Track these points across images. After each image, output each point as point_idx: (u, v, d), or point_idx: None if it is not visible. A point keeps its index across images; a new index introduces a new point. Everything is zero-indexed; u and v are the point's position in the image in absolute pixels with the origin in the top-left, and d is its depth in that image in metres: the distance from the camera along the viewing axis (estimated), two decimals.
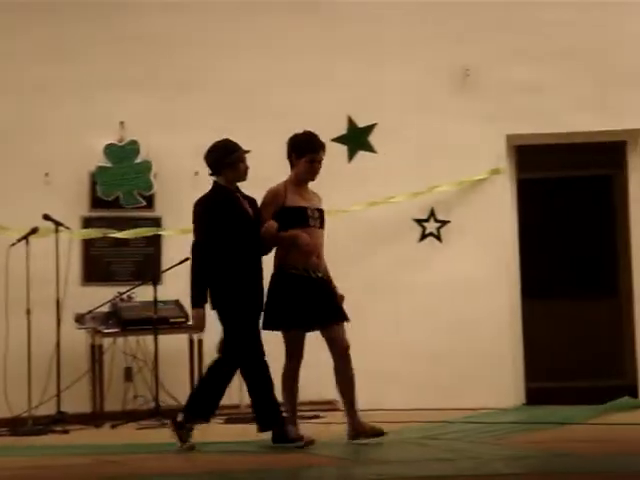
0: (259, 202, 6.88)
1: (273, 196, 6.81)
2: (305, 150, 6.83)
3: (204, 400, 6.83)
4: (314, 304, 6.66)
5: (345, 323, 6.70)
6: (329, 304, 6.74)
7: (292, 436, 6.65)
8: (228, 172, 6.88)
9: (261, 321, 6.74)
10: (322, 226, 6.86)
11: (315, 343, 6.77)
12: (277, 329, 6.75)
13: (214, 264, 6.72)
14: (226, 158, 6.86)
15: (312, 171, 6.85)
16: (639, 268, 9.20)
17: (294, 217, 6.72)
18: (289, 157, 6.91)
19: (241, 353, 6.73)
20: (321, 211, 6.88)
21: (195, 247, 6.81)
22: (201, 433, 6.93)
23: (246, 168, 6.92)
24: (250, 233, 6.74)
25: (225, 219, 6.75)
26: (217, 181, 6.93)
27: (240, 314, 6.71)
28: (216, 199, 6.84)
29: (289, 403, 6.80)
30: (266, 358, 6.73)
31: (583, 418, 7.90)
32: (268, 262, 6.78)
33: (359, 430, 6.65)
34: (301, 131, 6.92)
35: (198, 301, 6.79)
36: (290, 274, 6.70)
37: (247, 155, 6.95)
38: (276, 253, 6.83)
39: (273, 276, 6.78)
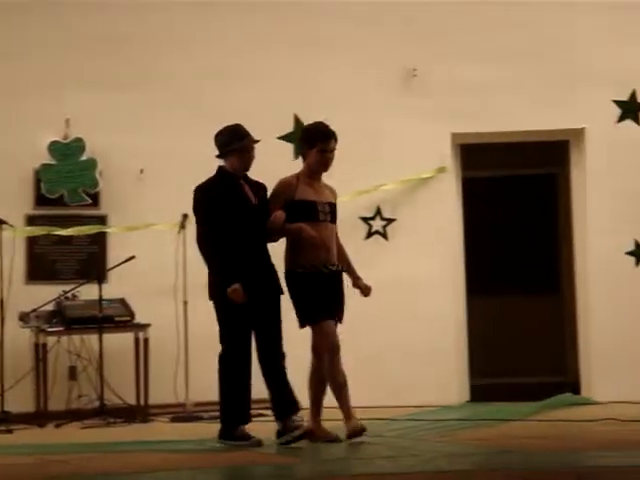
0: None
1: (284, 187, 6.71)
2: (315, 140, 6.73)
3: (231, 405, 6.73)
4: (320, 298, 6.63)
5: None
6: (329, 300, 6.68)
7: (238, 435, 6.62)
8: (234, 158, 6.77)
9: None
10: (333, 221, 6.78)
11: None
12: (301, 326, 6.72)
13: (212, 251, 6.67)
14: (233, 144, 6.75)
15: (324, 162, 6.74)
16: (581, 266, 9.31)
17: (304, 211, 6.64)
18: (301, 149, 6.84)
19: (223, 346, 6.69)
20: (332, 205, 6.79)
21: (200, 238, 6.75)
22: (146, 432, 6.91)
23: (250, 157, 6.80)
24: (248, 220, 6.66)
25: (222, 205, 6.66)
26: (222, 166, 6.83)
27: (228, 305, 6.64)
28: (215, 184, 6.77)
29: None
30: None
31: (526, 415, 7.99)
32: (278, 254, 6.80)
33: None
34: (313, 122, 6.91)
35: (230, 278, 6.61)
36: (298, 273, 6.66)
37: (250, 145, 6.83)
38: (285, 253, 6.77)
39: (285, 277, 6.75)
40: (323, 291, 6.65)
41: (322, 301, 6.63)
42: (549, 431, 7.17)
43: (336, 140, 6.78)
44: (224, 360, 6.74)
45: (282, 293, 6.82)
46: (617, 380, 8.86)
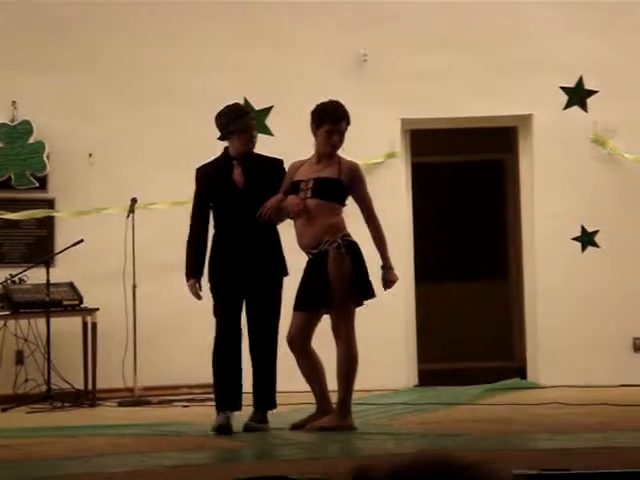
0: None
1: (289, 170, 6.56)
2: (322, 120, 6.45)
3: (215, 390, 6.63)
4: (300, 286, 6.45)
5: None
6: (304, 289, 6.42)
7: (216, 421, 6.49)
8: (234, 139, 6.62)
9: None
10: (318, 195, 6.33)
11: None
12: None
13: (189, 236, 6.65)
14: (231, 125, 6.60)
15: (330, 143, 6.43)
16: (528, 251, 9.39)
17: (290, 192, 6.40)
18: (311, 129, 6.54)
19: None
20: (320, 180, 6.35)
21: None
22: (94, 417, 6.88)
23: (252, 136, 6.64)
24: (231, 204, 6.54)
25: (201, 189, 6.64)
26: (226, 147, 6.70)
27: (211, 286, 6.61)
28: (206, 166, 6.70)
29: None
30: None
31: (473, 399, 8.06)
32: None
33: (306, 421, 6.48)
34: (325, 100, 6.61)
35: (186, 273, 6.61)
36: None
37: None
38: None
39: None
40: (303, 279, 6.42)
41: (299, 290, 6.42)
42: (495, 414, 7.23)
43: (348, 122, 6.49)
44: (214, 344, 6.59)
45: (277, 277, 6.62)
46: (563, 365, 8.97)
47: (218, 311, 6.55)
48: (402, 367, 9.15)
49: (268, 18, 9.23)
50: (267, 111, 7.04)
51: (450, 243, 10.99)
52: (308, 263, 6.42)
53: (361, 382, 8.68)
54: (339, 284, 6.24)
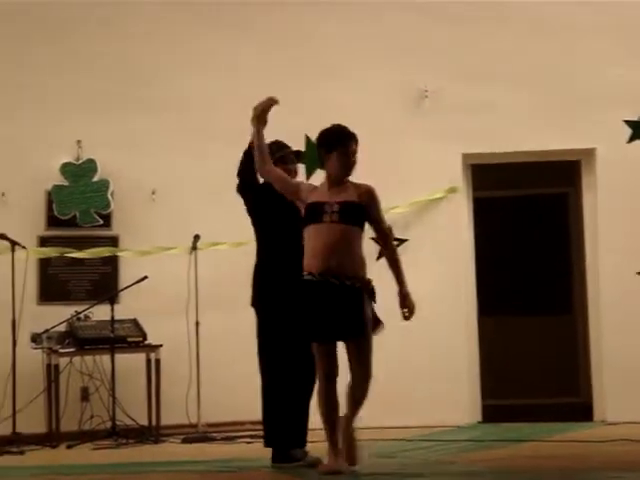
0: None
1: (299, 182, 6.51)
2: (333, 144, 6.32)
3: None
4: (311, 314, 6.11)
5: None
6: (317, 318, 6.09)
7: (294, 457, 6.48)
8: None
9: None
10: (345, 220, 6.09)
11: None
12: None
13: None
14: (274, 155, 6.67)
15: (345, 165, 6.27)
16: (593, 285, 9.29)
17: (310, 213, 6.18)
18: (319, 156, 6.41)
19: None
20: (346, 203, 6.13)
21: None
22: (158, 453, 6.90)
23: (288, 170, 6.70)
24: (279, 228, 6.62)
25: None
26: None
27: (268, 313, 6.66)
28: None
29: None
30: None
31: (538, 435, 7.97)
32: None
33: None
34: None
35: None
36: (303, 280, 6.14)
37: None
38: None
39: None
40: (320, 305, 6.06)
41: (319, 318, 6.06)
42: (561, 452, 7.14)
43: (356, 142, 6.36)
44: (264, 376, 6.59)
45: None
46: (630, 400, 8.83)
47: (268, 339, 6.54)
48: (465, 403, 9.07)
49: (327, 53, 9.27)
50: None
51: (513, 278, 10.93)
52: (327, 289, 6.04)
53: (424, 418, 8.69)
54: (369, 323, 6.13)
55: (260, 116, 6.55)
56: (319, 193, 6.26)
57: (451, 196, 9.23)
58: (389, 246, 6.37)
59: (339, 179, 6.29)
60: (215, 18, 9.34)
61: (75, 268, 9.08)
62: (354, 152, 6.35)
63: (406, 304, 6.25)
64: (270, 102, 6.58)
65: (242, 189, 6.83)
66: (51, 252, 8.97)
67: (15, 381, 8.30)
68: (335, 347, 6.15)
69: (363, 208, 6.21)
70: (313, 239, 6.13)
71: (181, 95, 9.22)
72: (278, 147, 6.84)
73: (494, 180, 10.23)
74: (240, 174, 6.83)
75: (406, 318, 6.28)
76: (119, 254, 9.08)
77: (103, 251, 9.03)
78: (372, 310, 6.19)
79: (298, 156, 6.95)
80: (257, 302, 6.64)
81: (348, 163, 6.29)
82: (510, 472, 6.23)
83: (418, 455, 6.73)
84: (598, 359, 9.21)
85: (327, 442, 6.10)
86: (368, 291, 6.15)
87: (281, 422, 6.53)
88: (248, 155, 6.73)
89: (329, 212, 6.13)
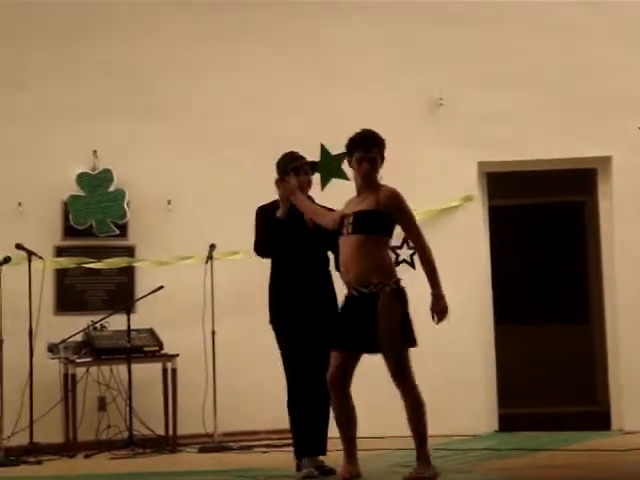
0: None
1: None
2: (352, 149, 6.35)
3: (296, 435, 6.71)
4: (337, 324, 6.21)
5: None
6: (342, 328, 6.15)
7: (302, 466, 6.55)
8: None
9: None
10: (358, 230, 6.12)
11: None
12: None
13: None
14: (284, 170, 6.73)
15: (358, 172, 6.26)
16: (610, 294, 9.26)
17: (338, 226, 6.26)
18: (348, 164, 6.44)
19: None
20: (358, 213, 6.15)
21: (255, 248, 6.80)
22: (175, 462, 6.90)
23: (301, 181, 6.70)
24: (295, 246, 6.62)
25: (264, 229, 6.71)
26: None
27: (283, 331, 6.72)
28: (265, 207, 6.79)
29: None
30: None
31: (555, 444, 7.94)
32: None
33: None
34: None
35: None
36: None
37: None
38: None
39: None
40: (343, 316, 6.17)
41: (339, 328, 6.17)
42: (578, 461, 7.11)
43: (369, 146, 6.27)
44: (288, 389, 6.63)
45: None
46: None
47: (295, 353, 6.56)
48: (482, 412, 9.05)
49: (341, 60, 9.28)
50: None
51: (530, 286, 10.91)
52: (350, 300, 6.14)
53: (440, 427, 8.61)
54: (391, 332, 6.00)
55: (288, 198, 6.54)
56: (347, 204, 6.32)
57: (467, 204, 9.22)
58: (420, 250, 6.27)
59: (359, 187, 6.30)
60: (233, 26, 9.34)
61: (91, 278, 9.10)
62: (374, 158, 6.27)
63: (435, 307, 6.15)
64: (291, 191, 6.52)
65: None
66: (68, 263, 8.99)
67: (32, 391, 8.32)
68: (350, 359, 6.12)
69: (382, 215, 6.15)
70: (340, 252, 6.23)
71: (198, 104, 9.25)
72: (292, 159, 6.83)
73: (510, 188, 10.22)
74: (261, 253, 6.78)
75: (437, 321, 6.18)
76: (135, 264, 9.10)
77: (120, 261, 9.05)
78: (400, 318, 6.03)
79: (314, 167, 6.94)
80: (274, 321, 6.69)
81: (360, 170, 6.26)
82: None
83: (435, 464, 6.68)
84: (615, 367, 9.17)
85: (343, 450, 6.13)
86: (388, 295, 6.03)
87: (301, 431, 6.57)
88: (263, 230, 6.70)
89: (347, 224, 6.17)
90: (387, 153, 6.52)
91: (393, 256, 9.10)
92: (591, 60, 9.19)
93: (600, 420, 9.27)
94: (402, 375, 6.05)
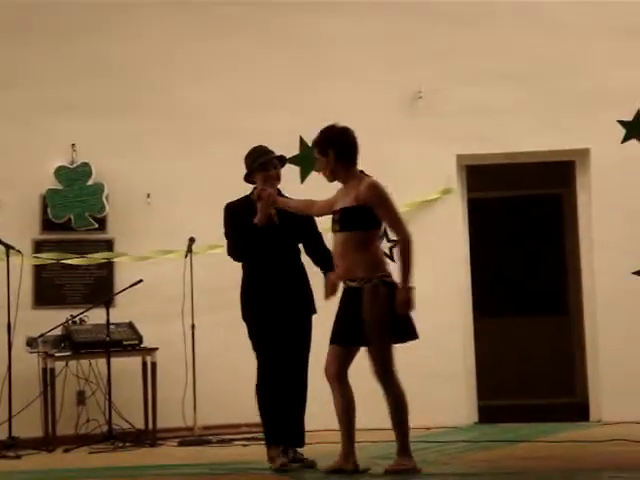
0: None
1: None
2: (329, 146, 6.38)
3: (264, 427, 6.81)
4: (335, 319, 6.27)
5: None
6: (338, 322, 6.21)
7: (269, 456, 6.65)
8: (257, 179, 6.76)
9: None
10: (345, 228, 6.14)
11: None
12: None
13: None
14: (253, 164, 6.76)
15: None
16: (588, 286, 9.30)
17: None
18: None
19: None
20: (343, 210, 6.17)
21: (228, 251, 6.83)
22: (155, 456, 6.90)
23: (270, 176, 6.72)
24: (263, 241, 6.63)
25: (233, 226, 6.74)
26: (254, 187, 6.81)
27: (253, 326, 6.80)
28: (232, 204, 6.83)
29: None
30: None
31: (535, 436, 7.97)
32: None
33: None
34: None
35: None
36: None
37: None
38: None
39: None
40: (338, 310, 6.22)
41: (334, 322, 6.25)
42: (558, 452, 7.15)
43: (334, 147, 6.29)
44: (260, 381, 6.71)
45: (308, 315, 6.74)
46: (626, 400, 8.83)
47: (263, 347, 6.64)
48: (462, 404, 9.08)
49: (322, 56, 9.28)
50: None
51: (508, 278, 10.94)
52: (344, 293, 6.22)
53: (420, 419, 8.64)
54: (372, 326, 6.04)
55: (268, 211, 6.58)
56: (337, 194, 6.34)
57: (446, 197, 9.25)
58: (399, 240, 6.25)
59: (340, 181, 6.32)
60: (212, 22, 9.33)
61: (70, 272, 9.07)
62: (328, 157, 6.31)
63: (399, 298, 6.11)
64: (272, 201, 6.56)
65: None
66: (48, 258, 8.95)
67: (11, 385, 8.28)
68: (343, 352, 6.16)
69: (364, 209, 6.15)
70: (332, 247, 6.30)
71: (177, 99, 9.22)
72: (259, 154, 6.83)
73: (489, 181, 10.25)
74: (237, 259, 6.83)
75: (399, 312, 6.12)
76: (115, 260, 9.07)
77: (99, 257, 9.03)
78: (387, 317, 6.05)
79: (283, 161, 6.93)
80: (245, 313, 6.78)
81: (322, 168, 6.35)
82: (507, 472, 6.24)
83: (415, 456, 6.70)
84: (594, 359, 9.22)
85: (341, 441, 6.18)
86: (369, 290, 6.04)
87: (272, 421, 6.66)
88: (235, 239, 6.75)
89: (335, 221, 6.23)
90: (367, 146, 6.51)
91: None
92: (570, 54, 9.22)
93: (579, 411, 9.32)
94: (383, 369, 6.08)
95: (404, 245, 6.18)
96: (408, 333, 6.19)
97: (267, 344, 6.63)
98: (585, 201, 9.32)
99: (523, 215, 11.08)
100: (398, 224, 6.23)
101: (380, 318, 6.04)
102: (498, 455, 7.09)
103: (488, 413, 9.27)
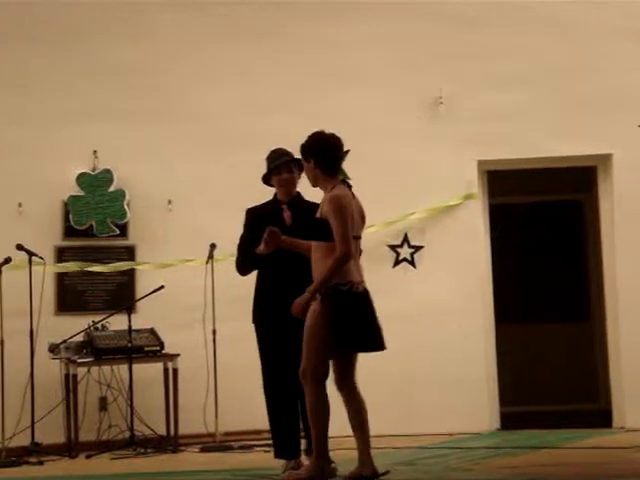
0: None
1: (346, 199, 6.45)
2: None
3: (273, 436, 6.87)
4: None
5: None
6: None
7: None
8: (274, 183, 6.78)
9: None
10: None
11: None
12: None
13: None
14: (269, 167, 6.76)
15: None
16: (611, 292, 9.26)
17: None
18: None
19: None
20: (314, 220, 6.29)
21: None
22: (176, 462, 6.90)
23: (283, 179, 6.72)
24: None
25: (253, 231, 6.67)
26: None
27: (261, 330, 6.87)
28: (253, 209, 6.83)
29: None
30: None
31: (558, 442, 7.94)
32: None
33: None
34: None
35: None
36: None
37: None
38: None
39: None
40: None
41: None
42: (581, 458, 7.12)
43: (307, 159, 6.36)
44: (264, 387, 6.74)
45: None
46: None
47: (272, 353, 6.66)
48: (484, 410, 9.04)
49: (340, 60, 9.27)
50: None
51: (530, 284, 10.90)
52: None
53: (443, 425, 8.66)
54: (307, 334, 6.13)
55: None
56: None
57: (467, 202, 9.22)
58: (336, 254, 6.14)
59: (321, 188, 6.37)
60: (228, 27, 9.35)
61: (92, 278, 9.10)
62: (305, 169, 6.43)
63: (297, 299, 6.13)
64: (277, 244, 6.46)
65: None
66: (71, 267, 8.98)
67: (34, 392, 8.31)
68: (338, 359, 6.20)
69: (324, 222, 6.18)
70: None
71: (196, 104, 9.23)
72: (276, 156, 6.81)
73: (510, 186, 10.21)
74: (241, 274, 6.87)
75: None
76: (138, 267, 9.09)
77: (123, 265, 9.04)
78: (326, 322, 6.05)
79: (300, 164, 6.90)
80: (255, 321, 6.84)
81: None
82: (530, 479, 6.20)
83: (437, 462, 6.72)
84: (616, 365, 9.17)
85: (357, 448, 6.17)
86: (317, 300, 6.09)
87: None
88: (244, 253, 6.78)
89: None
90: (389, 152, 6.52)
91: (393, 255, 9.12)
92: (591, 58, 9.19)
93: (602, 418, 9.27)
94: (305, 376, 6.15)
95: (337, 259, 6.13)
96: (373, 344, 6.20)
97: (272, 349, 6.65)
98: (607, 207, 9.28)
99: (545, 221, 11.03)
100: (341, 240, 6.15)
101: (321, 326, 6.08)
102: (521, 462, 7.06)
103: (510, 419, 9.23)
